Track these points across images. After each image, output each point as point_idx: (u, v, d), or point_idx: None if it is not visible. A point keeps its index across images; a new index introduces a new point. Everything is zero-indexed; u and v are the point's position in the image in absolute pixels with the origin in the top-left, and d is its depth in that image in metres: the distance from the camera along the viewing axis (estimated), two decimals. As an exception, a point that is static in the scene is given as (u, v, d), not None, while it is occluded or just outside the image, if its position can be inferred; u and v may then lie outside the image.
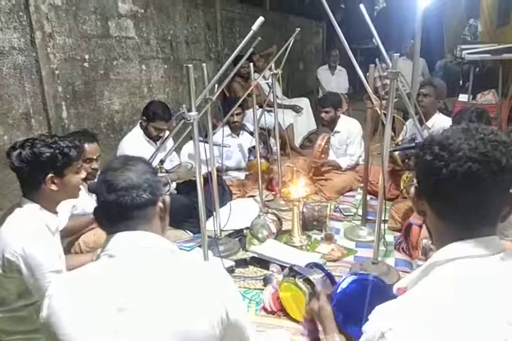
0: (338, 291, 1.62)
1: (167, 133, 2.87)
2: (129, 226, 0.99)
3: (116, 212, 0.99)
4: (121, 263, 0.96)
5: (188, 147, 3.25)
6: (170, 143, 2.54)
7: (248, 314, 1.92)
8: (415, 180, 0.89)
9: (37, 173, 1.47)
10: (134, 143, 2.85)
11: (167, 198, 1.08)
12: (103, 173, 1.03)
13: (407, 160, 2.88)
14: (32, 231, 1.43)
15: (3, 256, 1.41)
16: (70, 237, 2.12)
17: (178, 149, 3.23)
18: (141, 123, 2.97)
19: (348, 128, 3.53)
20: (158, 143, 2.95)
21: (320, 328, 1.48)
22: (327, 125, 3.58)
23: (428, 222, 0.89)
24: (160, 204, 1.05)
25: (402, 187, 2.83)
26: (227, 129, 3.53)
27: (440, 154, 0.79)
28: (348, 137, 3.55)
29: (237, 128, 3.61)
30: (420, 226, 2.27)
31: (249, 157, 3.51)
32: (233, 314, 0.96)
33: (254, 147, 3.15)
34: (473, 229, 0.81)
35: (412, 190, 0.89)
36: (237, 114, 3.46)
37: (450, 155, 0.78)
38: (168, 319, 0.89)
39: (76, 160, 1.56)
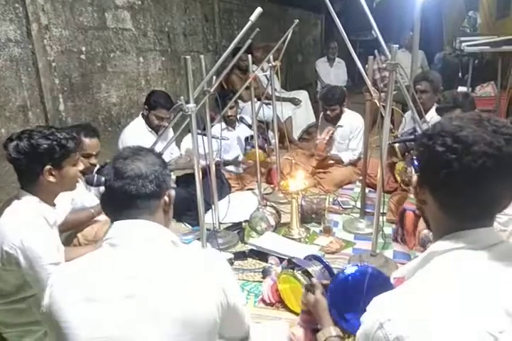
0: (333, 283, 1.63)
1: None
2: (131, 215, 1.01)
3: (121, 199, 1.01)
4: (122, 251, 0.97)
5: (188, 140, 3.24)
6: (171, 135, 2.53)
7: (247, 306, 1.94)
8: (416, 169, 0.87)
9: (35, 165, 1.46)
10: (136, 133, 2.84)
11: (172, 192, 1.10)
12: (114, 160, 1.05)
13: (407, 154, 2.87)
14: (30, 224, 1.43)
15: (1, 248, 1.41)
16: (69, 231, 2.12)
17: (177, 142, 3.22)
18: (142, 113, 2.96)
19: (351, 123, 3.48)
20: (159, 133, 2.94)
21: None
22: (331, 120, 3.52)
23: (428, 211, 0.88)
24: (165, 197, 1.07)
25: (398, 178, 2.83)
26: (222, 123, 3.51)
27: (453, 147, 0.76)
28: (350, 132, 3.50)
29: (232, 122, 3.60)
30: (414, 212, 2.27)
31: (245, 146, 3.49)
32: (232, 299, 0.99)
33: (252, 137, 3.13)
34: (474, 221, 0.80)
35: (415, 178, 0.88)
36: (230, 108, 3.44)
37: (464, 149, 0.75)
38: (171, 305, 0.91)
39: (74, 151, 1.55)
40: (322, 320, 1.40)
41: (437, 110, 2.60)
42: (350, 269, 1.67)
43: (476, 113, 0.82)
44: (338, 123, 3.51)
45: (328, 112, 3.46)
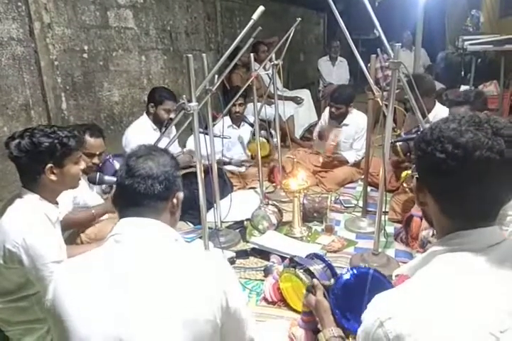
0: (336, 286, 1.62)
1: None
2: (138, 213, 1.02)
3: (130, 196, 1.03)
4: (125, 248, 0.97)
5: (192, 140, 3.23)
6: (174, 132, 2.53)
7: (249, 304, 1.94)
8: (416, 172, 0.87)
9: (36, 163, 1.47)
10: (140, 131, 2.84)
11: (181, 195, 1.11)
12: (128, 158, 1.06)
13: (409, 154, 2.85)
14: (32, 222, 1.44)
15: (4, 246, 1.41)
16: (68, 230, 2.12)
17: (180, 141, 3.22)
18: (147, 111, 2.95)
19: (358, 122, 3.44)
20: (162, 131, 2.95)
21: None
22: (335, 118, 3.51)
23: (429, 212, 0.88)
24: (174, 200, 1.08)
25: (402, 183, 2.81)
26: (228, 120, 3.50)
27: (454, 153, 0.75)
28: (356, 132, 3.47)
29: (238, 119, 3.59)
30: (421, 218, 2.27)
31: (250, 139, 3.50)
32: (233, 302, 0.97)
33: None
34: (476, 221, 0.80)
35: (414, 181, 0.88)
36: (239, 105, 3.44)
37: (465, 154, 0.74)
38: (171, 305, 0.91)
39: (75, 150, 1.56)
40: (323, 321, 1.40)
41: (447, 102, 2.64)
42: (351, 272, 1.65)
43: (475, 114, 0.80)
44: (344, 122, 3.49)
45: (333, 109, 3.44)
